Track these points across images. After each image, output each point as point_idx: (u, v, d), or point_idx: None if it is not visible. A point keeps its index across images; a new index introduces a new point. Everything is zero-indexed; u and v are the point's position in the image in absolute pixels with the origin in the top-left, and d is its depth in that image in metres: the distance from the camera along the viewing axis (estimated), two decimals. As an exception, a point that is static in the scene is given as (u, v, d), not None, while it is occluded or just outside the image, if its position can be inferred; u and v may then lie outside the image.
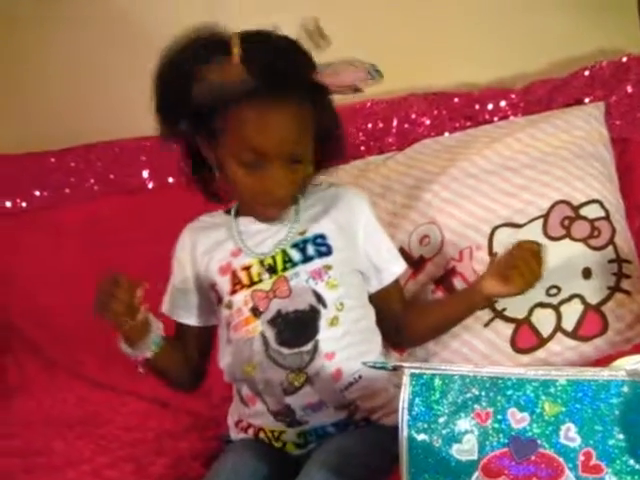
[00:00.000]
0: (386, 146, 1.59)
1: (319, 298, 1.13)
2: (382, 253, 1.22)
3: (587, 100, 1.54)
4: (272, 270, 1.15)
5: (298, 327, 1.13)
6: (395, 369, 0.90)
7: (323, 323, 1.13)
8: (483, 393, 0.86)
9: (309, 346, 1.12)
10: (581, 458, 0.82)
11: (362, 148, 1.60)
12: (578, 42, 1.65)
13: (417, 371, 0.89)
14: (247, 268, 1.16)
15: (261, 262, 1.16)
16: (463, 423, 0.86)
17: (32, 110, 1.80)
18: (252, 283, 1.15)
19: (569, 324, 1.30)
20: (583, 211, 1.36)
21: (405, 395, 0.88)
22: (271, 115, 1.05)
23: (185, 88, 1.04)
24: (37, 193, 1.67)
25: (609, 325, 1.30)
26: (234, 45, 1.04)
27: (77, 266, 1.64)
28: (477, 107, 1.57)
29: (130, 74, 1.72)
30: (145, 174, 1.65)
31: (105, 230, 1.64)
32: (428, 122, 1.58)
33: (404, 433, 0.88)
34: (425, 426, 0.87)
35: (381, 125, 1.60)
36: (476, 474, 0.84)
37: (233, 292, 1.16)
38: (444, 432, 0.86)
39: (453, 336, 1.33)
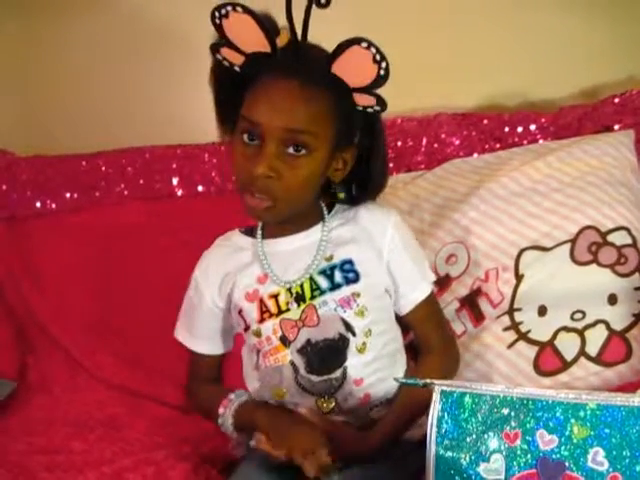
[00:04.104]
0: (415, 164, 1.60)
1: (348, 326, 1.13)
2: (404, 277, 1.19)
3: (616, 127, 1.55)
4: (300, 298, 1.14)
5: (327, 355, 1.12)
6: (426, 386, 0.91)
7: (352, 350, 1.13)
8: (513, 413, 0.87)
9: (338, 373, 1.12)
10: (608, 483, 0.83)
11: (391, 165, 1.60)
12: (608, 70, 1.66)
13: (448, 388, 0.90)
14: (274, 296, 1.15)
15: (289, 290, 1.14)
16: (491, 442, 0.87)
17: (56, 114, 1.82)
18: (280, 312, 1.14)
19: (593, 349, 1.31)
20: (610, 237, 1.36)
21: (434, 412, 0.89)
22: (276, 88, 1.05)
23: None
24: (67, 195, 1.68)
25: (633, 352, 1.30)
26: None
27: (103, 269, 1.65)
28: (507, 129, 1.58)
29: (163, 81, 1.75)
30: (175, 181, 1.66)
31: (132, 235, 1.65)
32: (457, 142, 1.59)
33: (432, 450, 0.89)
34: (453, 444, 0.88)
35: (410, 143, 1.61)
36: (503, 494, 0.85)
37: (261, 320, 1.15)
38: (472, 450, 0.87)
39: (476, 356, 1.34)
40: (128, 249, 1.64)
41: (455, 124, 1.61)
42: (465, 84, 1.70)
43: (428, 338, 1.22)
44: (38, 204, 1.69)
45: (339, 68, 1.02)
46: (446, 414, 0.89)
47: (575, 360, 1.31)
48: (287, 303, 1.14)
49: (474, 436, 0.87)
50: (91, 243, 1.66)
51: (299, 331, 1.13)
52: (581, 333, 1.32)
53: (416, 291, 1.21)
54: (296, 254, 1.16)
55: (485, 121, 1.60)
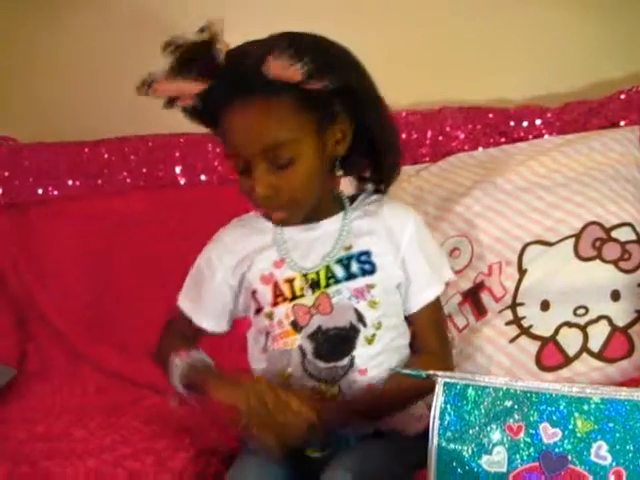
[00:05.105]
0: (419, 157, 1.60)
1: (360, 317, 1.13)
2: (416, 277, 1.18)
3: (622, 123, 1.55)
4: (315, 285, 1.14)
5: (337, 343, 1.13)
6: (428, 377, 0.91)
7: (360, 340, 1.13)
8: (516, 406, 0.87)
9: (345, 361, 1.13)
10: (611, 477, 0.82)
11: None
12: (615, 66, 1.66)
13: (451, 380, 0.89)
14: (290, 281, 1.15)
15: (304, 276, 1.15)
16: (494, 435, 0.86)
17: (58, 102, 1.82)
18: (294, 297, 1.14)
19: (595, 345, 1.31)
20: (615, 233, 1.36)
21: (437, 404, 0.89)
22: (235, 116, 1.05)
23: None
24: (69, 182, 1.67)
25: (635, 348, 1.30)
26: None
27: (104, 257, 1.65)
28: (512, 124, 1.58)
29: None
30: (177, 170, 1.65)
31: (135, 223, 1.65)
32: (462, 136, 1.59)
33: (434, 442, 0.88)
34: (456, 436, 0.88)
35: (415, 136, 1.61)
36: (505, 487, 0.85)
37: (275, 304, 1.15)
38: (474, 442, 0.87)
39: (477, 350, 1.34)
40: (130, 237, 1.64)
41: (460, 117, 1.61)
42: (470, 77, 1.69)
43: (428, 340, 1.21)
44: (40, 191, 1.68)
45: (273, 73, 1.00)
46: (449, 406, 0.89)
47: (577, 356, 1.31)
48: (302, 289, 1.14)
49: (477, 428, 0.87)
50: (93, 231, 1.66)
51: (311, 318, 1.13)
52: (584, 329, 1.32)
53: (425, 292, 1.20)
54: (316, 242, 1.16)
55: (490, 115, 1.60)
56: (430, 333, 1.21)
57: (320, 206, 1.16)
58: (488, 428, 0.87)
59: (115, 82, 1.77)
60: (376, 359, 1.14)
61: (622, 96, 1.56)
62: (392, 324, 1.16)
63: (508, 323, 1.34)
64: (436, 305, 1.22)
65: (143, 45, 1.74)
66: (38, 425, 1.40)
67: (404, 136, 1.60)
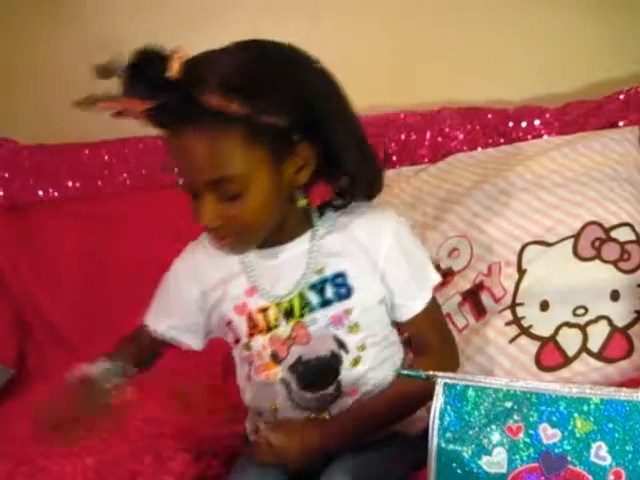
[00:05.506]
0: (418, 158, 1.60)
1: (341, 344, 1.08)
2: (401, 289, 1.11)
3: (621, 123, 1.55)
4: (289, 314, 1.09)
5: (320, 373, 1.09)
6: (428, 378, 0.90)
7: (345, 365, 1.09)
8: (516, 407, 0.87)
9: (331, 389, 1.09)
10: (611, 477, 0.82)
11: (394, 158, 1.60)
12: (614, 66, 1.66)
13: (451, 381, 0.89)
14: (264, 310, 1.09)
15: (277, 305, 1.09)
16: (494, 436, 0.86)
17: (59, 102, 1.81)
18: (269, 328, 1.09)
19: (595, 345, 1.31)
20: (614, 233, 1.36)
21: (437, 404, 0.89)
22: (180, 143, 0.97)
23: None
24: (69, 184, 1.68)
25: (635, 348, 1.30)
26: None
27: (104, 258, 1.66)
28: (511, 124, 1.58)
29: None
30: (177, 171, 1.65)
31: (134, 225, 1.65)
32: (461, 136, 1.59)
33: (434, 442, 0.88)
34: (455, 436, 0.87)
35: (414, 137, 1.61)
36: (504, 487, 0.84)
37: (251, 335, 1.10)
38: (474, 443, 0.87)
39: (477, 350, 1.34)
40: (130, 238, 1.64)
41: (459, 118, 1.61)
42: (469, 78, 1.69)
43: (426, 342, 1.16)
44: (40, 192, 1.69)
45: (214, 106, 0.92)
46: (449, 407, 0.88)
47: (577, 356, 1.31)
48: (276, 319, 1.09)
49: (477, 429, 0.87)
50: (93, 232, 1.67)
51: (289, 348, 1.09)
52: (583, 329, 1.32)
53: (413, 302, 1.13)
54: (284, 266, 1.09)
55: (489, 115, 1.60)
56: (427, 335, 1.15)
57: (284, 229, 1.08)
58: (488, 429, 0.87)
59: (116, 83, 1.79)
60: (364, 378, 1.10)
61: (621, 96, 1.56)
62: (377, 341, 1.12)
63: (508, 323, 1.34)
64: (429, 310, 1.14)
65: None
66: (36, 423, 1.40)
67: (403, 137, 1.60)
